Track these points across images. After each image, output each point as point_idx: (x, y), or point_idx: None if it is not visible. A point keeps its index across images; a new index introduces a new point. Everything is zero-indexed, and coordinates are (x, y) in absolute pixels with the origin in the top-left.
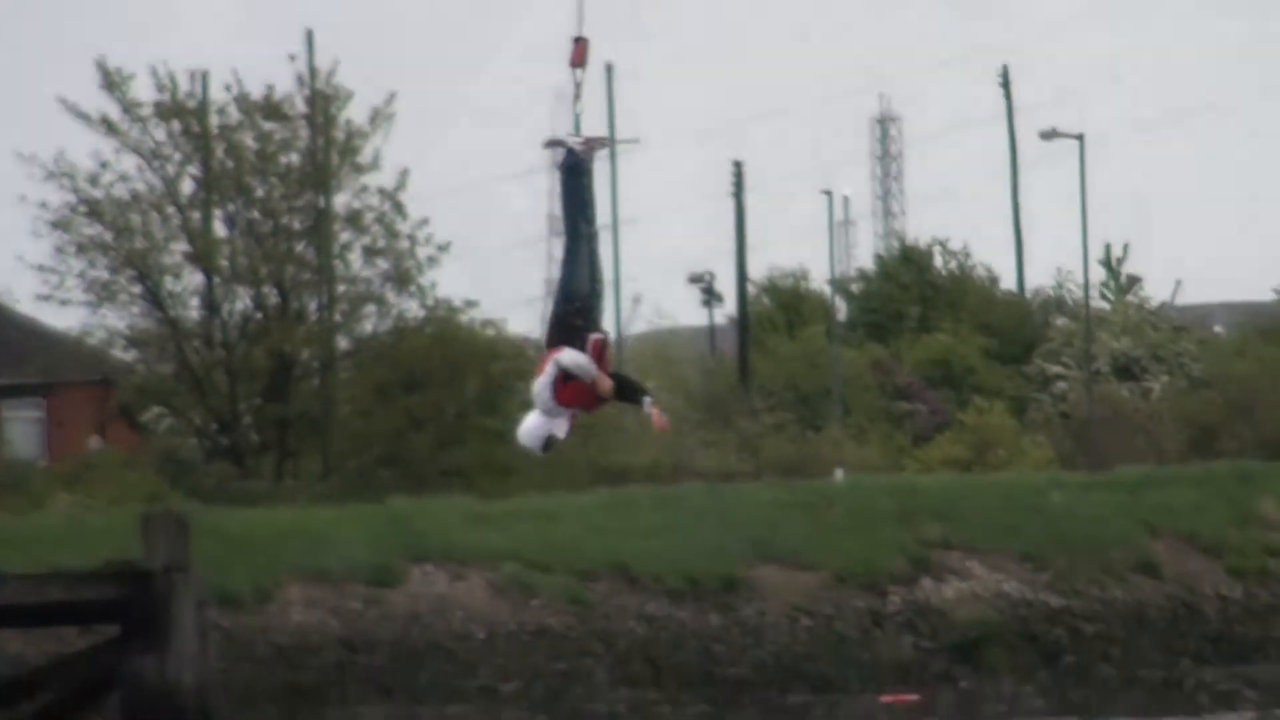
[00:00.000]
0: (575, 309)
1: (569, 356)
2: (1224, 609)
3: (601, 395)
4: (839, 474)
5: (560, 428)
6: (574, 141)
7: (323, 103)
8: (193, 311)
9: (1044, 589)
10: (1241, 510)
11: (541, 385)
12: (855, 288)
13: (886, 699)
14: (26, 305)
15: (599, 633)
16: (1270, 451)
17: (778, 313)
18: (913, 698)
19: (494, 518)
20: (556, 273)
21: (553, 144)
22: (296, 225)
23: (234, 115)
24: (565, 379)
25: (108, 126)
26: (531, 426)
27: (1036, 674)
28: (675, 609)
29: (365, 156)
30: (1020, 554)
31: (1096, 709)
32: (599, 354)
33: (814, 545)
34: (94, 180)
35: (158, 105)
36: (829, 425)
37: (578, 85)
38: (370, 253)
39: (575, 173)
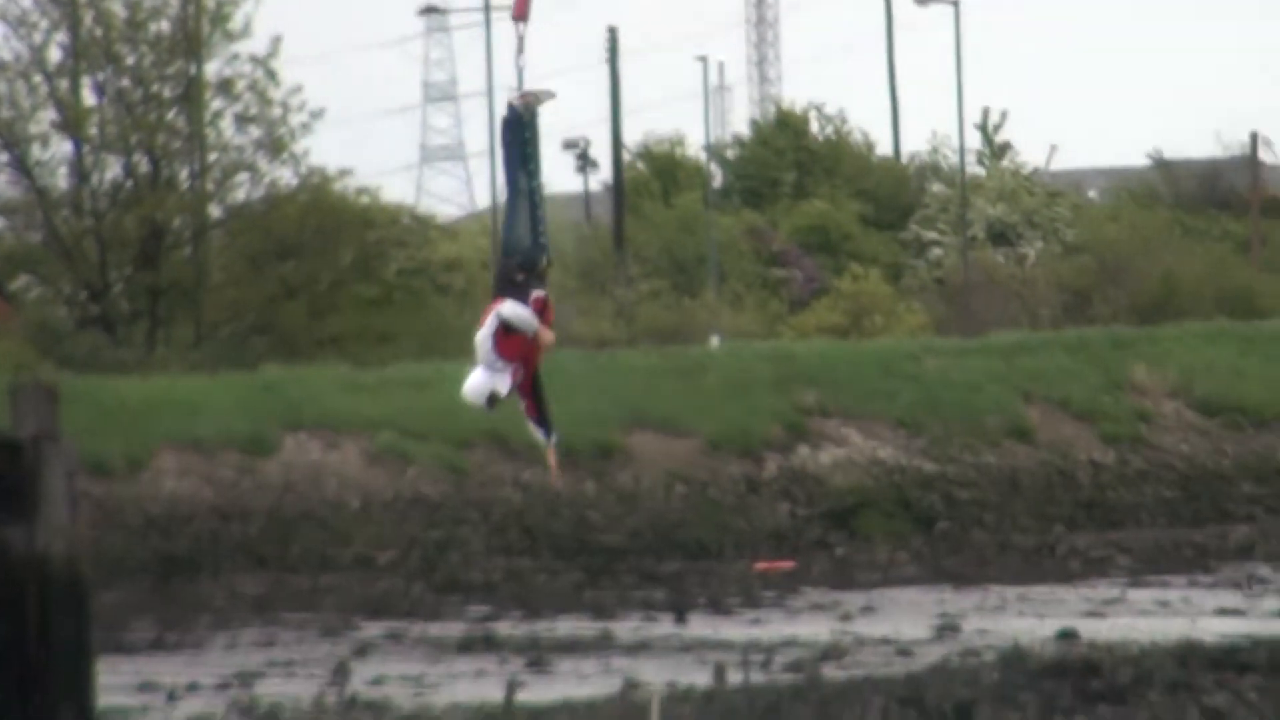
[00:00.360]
0: (516, 263)
1: (510, 308)
2: (1097, 475)
3: (544, 349)
4: (715, 341)
5: (503, 383)
6: (513, 97)
7: None
8: (61, 180)
9: (919, 455)
10: (1114, 376)
11: (483, 337)
12: (731, 154)
13: (762, 566)
14: None
15: (475, 501)
16: (1143, 317)
17: (653, 179)
18: (788, 564)
19: (369, 386)
20: (433, 140)
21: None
22: (167, 93)
23: None
24: (506, 332)
25: None
26: (475, 383)
27: (911, 540)
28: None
29: (237, 23)
30: (895, 420)
31: (970, 575)
32: (541, 311)
33: (690, 412)
34: None
35: None
36: (704, 292)
37: (520, 39)
38: (242, 120)
39: (515, 126)
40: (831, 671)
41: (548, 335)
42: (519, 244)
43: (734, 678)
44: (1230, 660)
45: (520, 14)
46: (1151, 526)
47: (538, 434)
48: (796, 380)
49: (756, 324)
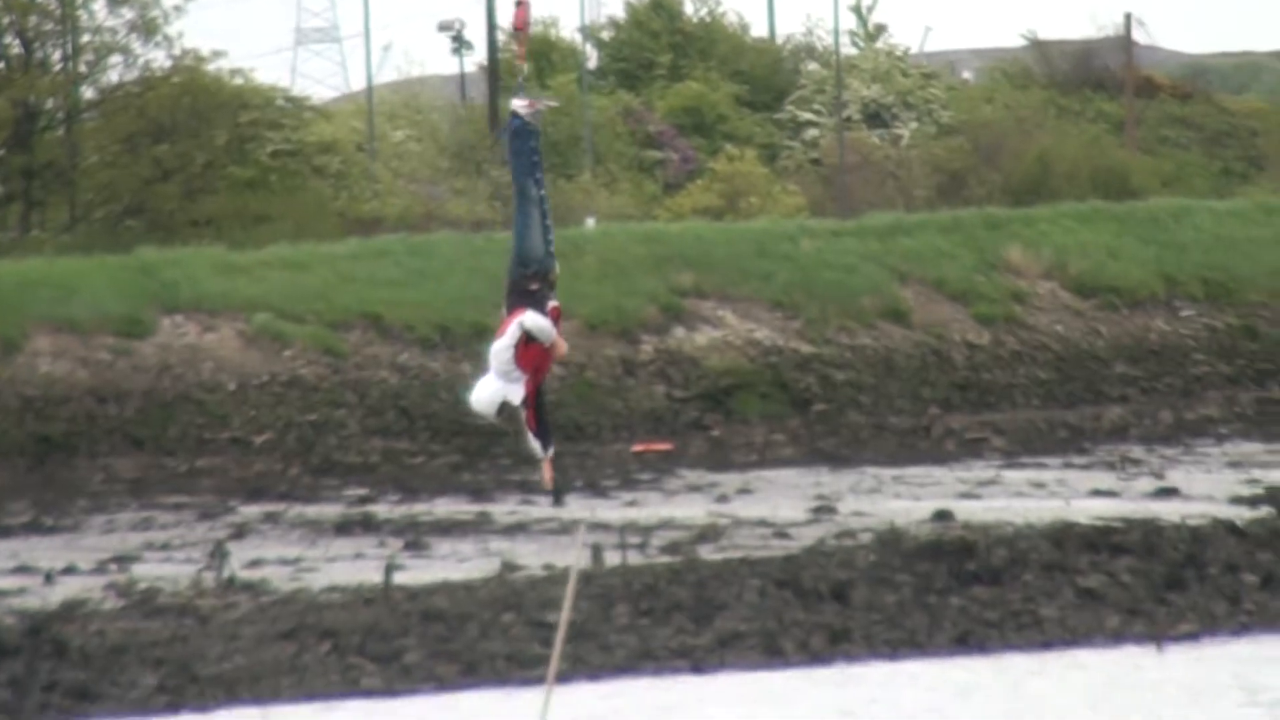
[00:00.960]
0: (531, 273)
1: (532, 319)
2: (972, 356)
3: (558, 359)
4: (590, 222)
5: (515, 393)
6: (520, 106)
7: None
8: None
9: (795, 336)
10: (989, 257)
11: (503, 347)
12: (606, 35)
13: (639, 448)
14: None
15: (351, 383)
16: (1018, 198)
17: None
18: (665, 446)
19: (244, 268)
20: (307, 22)
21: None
22: None
23: None
24: (527, 342)
25: None
26: (488, 392)
27: (788, 421)
28: (428, 359)
29: None
30: (771, 302)
31: (846, 456)
32: (556, 320)
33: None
34: None
35: None
36: (580, 174)
37: (523, 49)
38: (115, 2)
39: (523, 135)
40: (708, 553)
41: (562, 345)
42: (534, 254)
43: (611, 559)
44: (1104, 541)
45: (521, 25)
46: (1026, 408)
47: (534, 445)
48: (672, 262)
49: (632, 206)
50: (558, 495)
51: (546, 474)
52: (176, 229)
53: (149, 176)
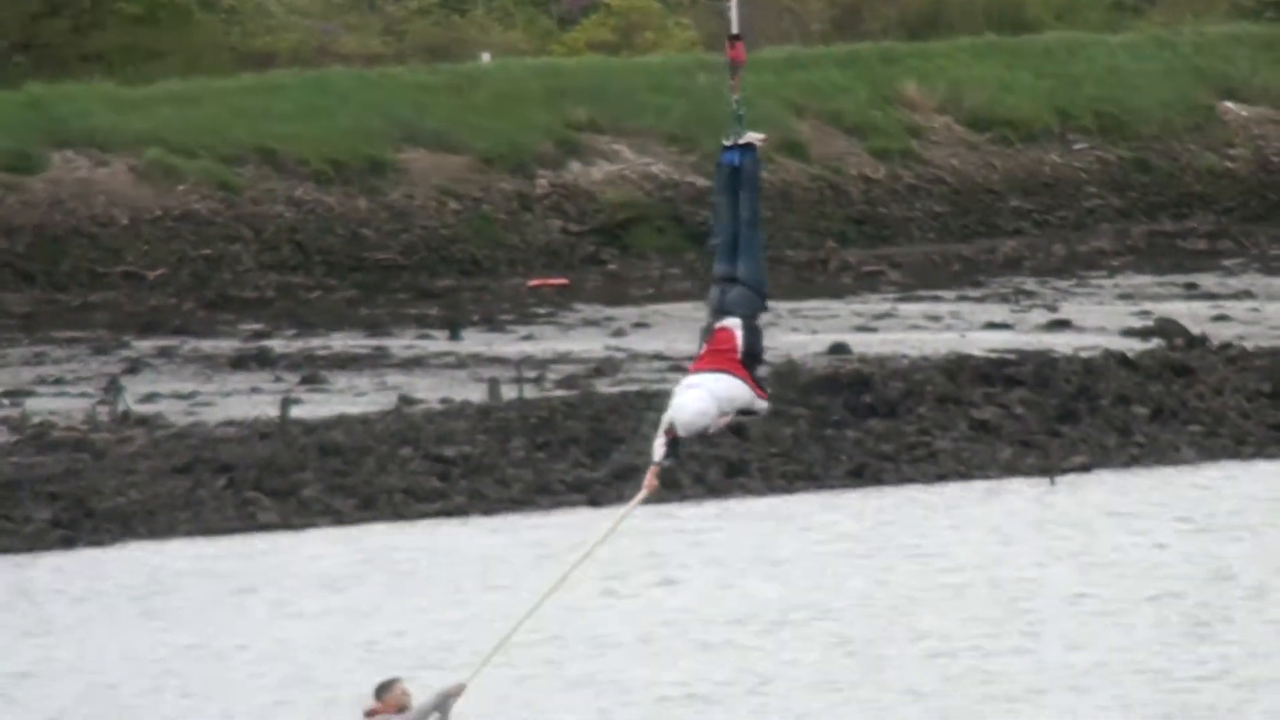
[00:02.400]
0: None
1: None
2: (867, 190)
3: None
4: (485, 57)
5: (713, 425)
6: (755, 138)
7: None
8: None
9: (691, 170)
10: (885, 91)
11: (741, 396)
12: None
13: (535, 282)
14: None
15: (245, 217)
16: (913, 31)
17: None
18: (561, 281)
19: (136, 103)
20: None
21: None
22: None
23: None
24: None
25: None
26: (702, 412)
27: (684, 255)
28: (322, 193)
29: None
30: (667, 136)
31: None
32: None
33: (460, 128)
34: None
35: None
36: (474, 8)
37: (738, 83)
38: None
39: (749, 169)
40: (605, 387)
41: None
42: (764, 285)
43: (508, 393)
44: (998, 374)
45: (738, 59)
46: (922, 241)
47: (659, 449)
48: (568, 96)
49: (526, 41)
50: (454, 330)
51: (649, 481)
52: (66, 64)
53: (37, 11)
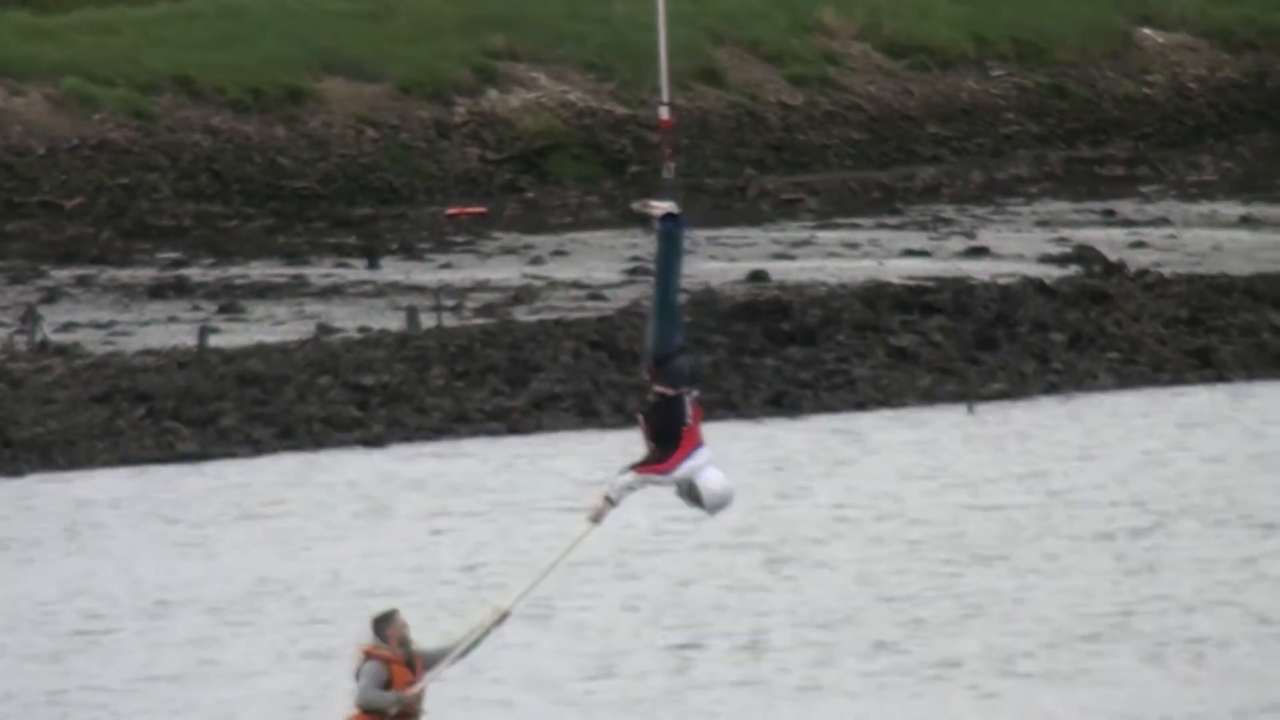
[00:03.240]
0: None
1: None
2: (786, 117)
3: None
4: None
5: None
6: (673, 207)
7: None
8: None
9: (609, 98)
10: (802, 18)
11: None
12: None
13: (453, 211)
14: None
15: (162, 146)
16: None
17: None
18: (479, 209)
19: (51, 31)
20: None
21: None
22: None
23: None
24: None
25: None
26: (722, 484)
27: (602, 183)
28: (240, 122)
29: None
30: (585, 64)
31: None
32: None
33: (378, 56)
34: None
35: None
36: None
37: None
38: None
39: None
40: (523, 315)
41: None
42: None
43: (426, 321)
44: (916, 301)
45: (668, 126)
46: (840, 168)
47: (626, 478)
48: (484, 24)
49: None
50: (372, 258)
51: (597, 504)
52: None
53: None
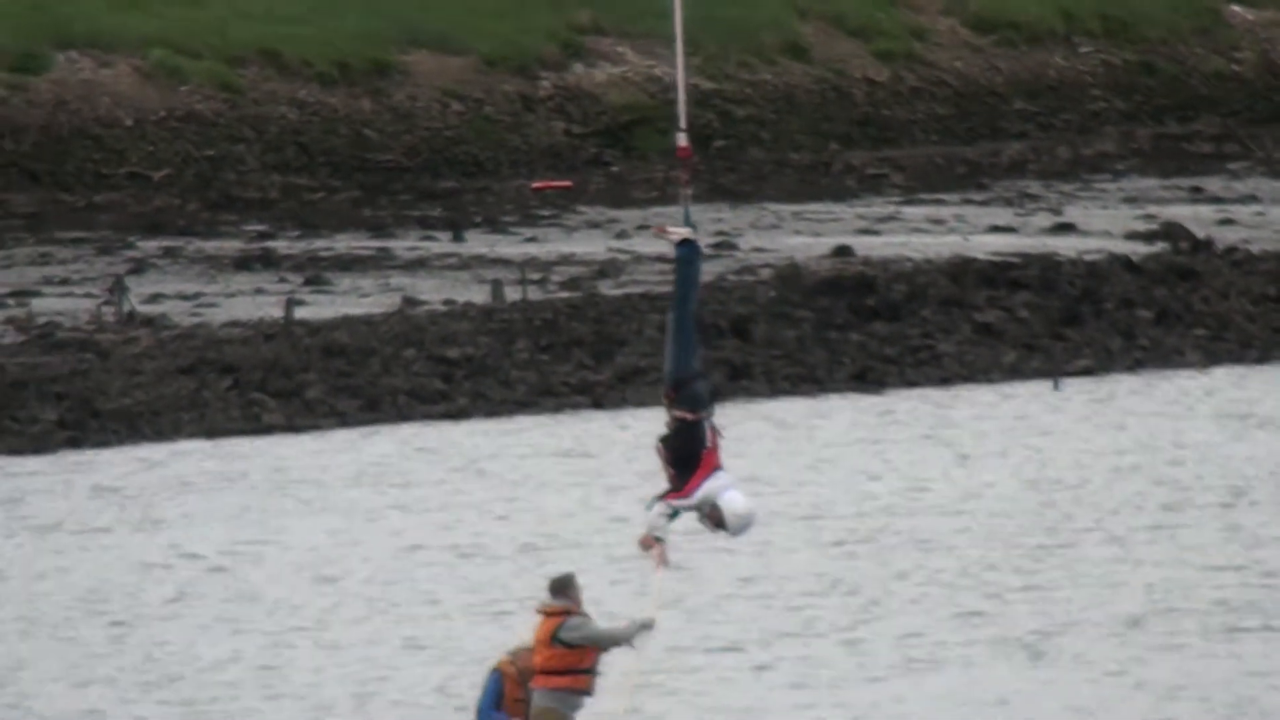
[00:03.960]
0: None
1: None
2: (871, 93)
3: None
4: None
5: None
6: (691, 233)
7: None
8: None
9: (695, 72)
10: None
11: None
12: None
13: (538, 185)
14: None
15: (249, 119)
16: None
17: None
18: (565, 183)
19: (139, 2)
20: None
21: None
22: None
23: None
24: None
25: None
26: (746, 504)
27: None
28: (326, 95)
29: None
30: (670, 38)
31: (747, 192)
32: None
33: (463, 30)
34: None
35: None
36: None
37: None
38: None
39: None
40: (608, 289)
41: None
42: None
43: (511, 295)
44: (1002, 277)
45: (686, 156)
46: (925, 144)
47: (664, 514)
48: None
49: None
50: (458, 231)
51: (652, 552)
52: None
53: None
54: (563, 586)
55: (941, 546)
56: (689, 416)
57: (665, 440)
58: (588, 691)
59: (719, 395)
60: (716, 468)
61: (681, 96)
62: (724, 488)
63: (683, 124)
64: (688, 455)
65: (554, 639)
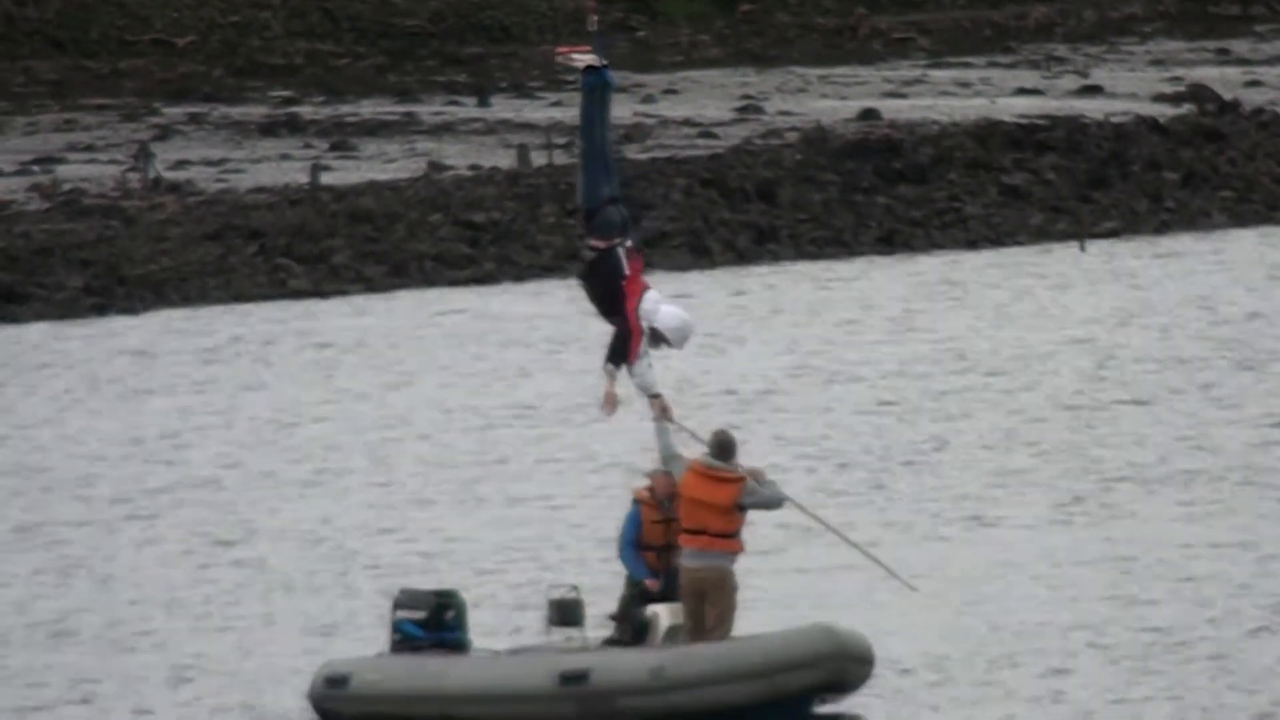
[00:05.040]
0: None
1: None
2: None
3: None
4: None
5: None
6: (595, 60)
7: None
8: None
9: None
10: None
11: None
12: None
13: (563, 50)
14: None
15: None
16: None
17: None
18: (586, 50)
19: None
20: None
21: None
22: None
23: None
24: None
25: None
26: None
27: (713, 21)
28: None
29: None
30: None
31: (773, 56)
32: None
33: None
34: None
35: None
36: None
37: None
38: None
39: (603, 89)
40: (634, 153)
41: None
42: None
43: (537, 159)
44: (1029, 139)
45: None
46: (951, 7)
47: (648, 364)
48: None
49: None
50: (483, 96)
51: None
52: None
53: None
54: (731, 449)
55: (987, 405)
56: (601, 245)
57: (584, 276)
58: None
59: (630, 222)
60: (643, 290)
61: None
62: (654, 309)
63: None
64: (610, 287)
65: (739, 505)
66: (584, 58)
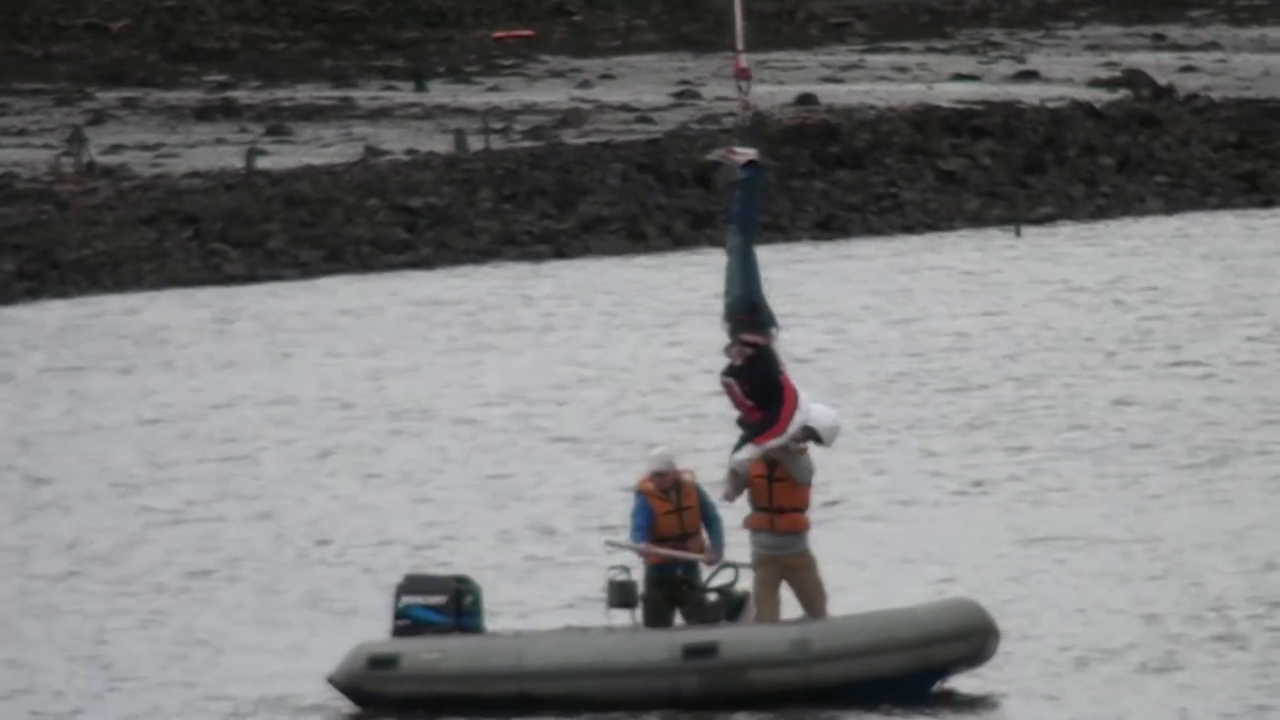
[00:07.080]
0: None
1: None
2: None
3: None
4: None
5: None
6: (756, 155)
7: None
8: None
9: None
10: None
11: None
12: None
13: (500, 35)
14: None
15: None
16: None
17: None
18: (527, 32)
19: None
20: None
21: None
22: None
23: None
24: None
25: None
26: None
27: (650, 7)
28: None
29: None
30: None
31: (709, 41)
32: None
33: None
34: None
35: None
36: None
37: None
38: None
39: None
40: (571, 138)
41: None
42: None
43: (474, 144)
44: (965, 125)
45: (742, 73)
46: None
47: (749, 453)
48: None
49: None
50: (420, 81)
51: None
52: None
53: None
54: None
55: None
56: (762, 341)
57: (738, 373)
58: None
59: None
60: (794, 390)
61: (738, 9)
62: (807, 407)
63: (739, 44)
64: (769, 386)
65: (802, 481)
66: (745, 153)
